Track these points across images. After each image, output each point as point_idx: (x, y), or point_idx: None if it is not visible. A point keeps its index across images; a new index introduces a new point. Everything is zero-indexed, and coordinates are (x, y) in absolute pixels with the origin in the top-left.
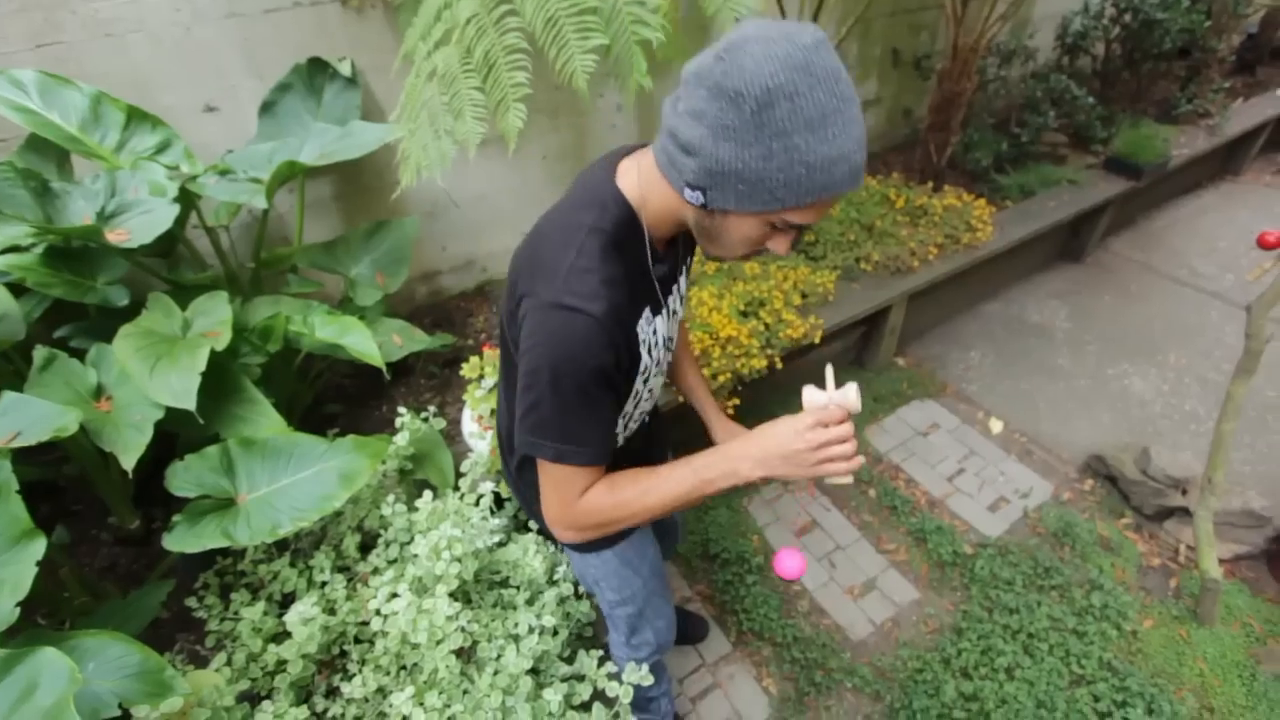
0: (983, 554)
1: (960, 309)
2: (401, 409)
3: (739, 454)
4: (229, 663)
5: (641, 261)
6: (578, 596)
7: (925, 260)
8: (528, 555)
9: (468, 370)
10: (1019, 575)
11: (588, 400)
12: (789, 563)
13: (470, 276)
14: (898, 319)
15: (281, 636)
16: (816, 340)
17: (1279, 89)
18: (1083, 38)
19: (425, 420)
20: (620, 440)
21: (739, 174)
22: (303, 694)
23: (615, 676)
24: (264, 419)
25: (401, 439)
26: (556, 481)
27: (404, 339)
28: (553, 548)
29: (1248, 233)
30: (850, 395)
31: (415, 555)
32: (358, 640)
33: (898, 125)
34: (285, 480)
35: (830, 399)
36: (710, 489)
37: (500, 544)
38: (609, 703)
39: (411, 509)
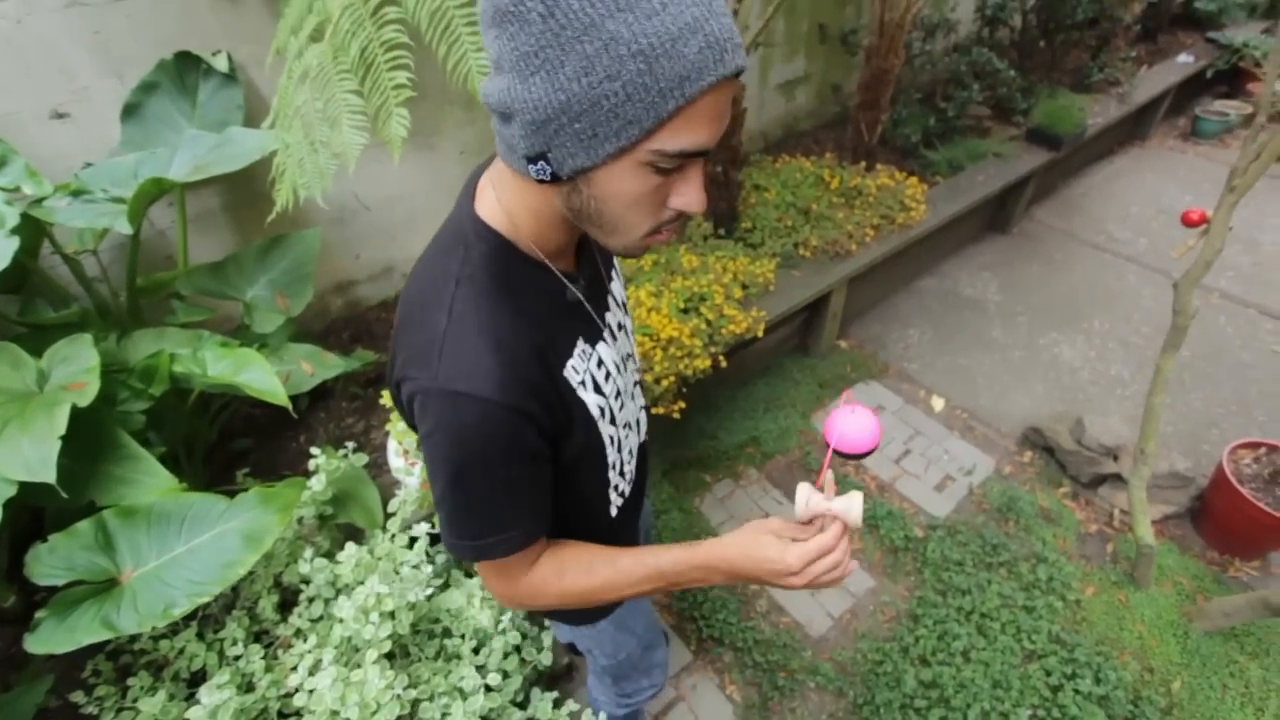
0: (933, 536)
1: (897, 287)
2: (315, 450)
3: (715, 563)
4: None
5: (546, 292)
6: (535, 647)
7: (863, 243)
8: (472, 604)
9: (388, 397)
10: (968, 555)
11: (507, 488)
12: (849, 425)
13: (389, 284)
14: (839, 303)
15: None
16: (760, 334)
17: (1180, 55)
18: (1001, 9)
19: (345, 457)
20: (613, 510)
21: (567, 109)
22: None
23: (575, 717)
24: (149, 477)
25: (317, 483)
26: (488, 570)
27: (315, 365)
28: None
29: (1157, 196)
30: (854, 509)
31: (341, 619)
32: (282, 715)
33: (827, 102)
34: (179, 549)
35: (829, 509)
36: (674, 589)
37: (442, 588)
38: None
39: (334, 561)
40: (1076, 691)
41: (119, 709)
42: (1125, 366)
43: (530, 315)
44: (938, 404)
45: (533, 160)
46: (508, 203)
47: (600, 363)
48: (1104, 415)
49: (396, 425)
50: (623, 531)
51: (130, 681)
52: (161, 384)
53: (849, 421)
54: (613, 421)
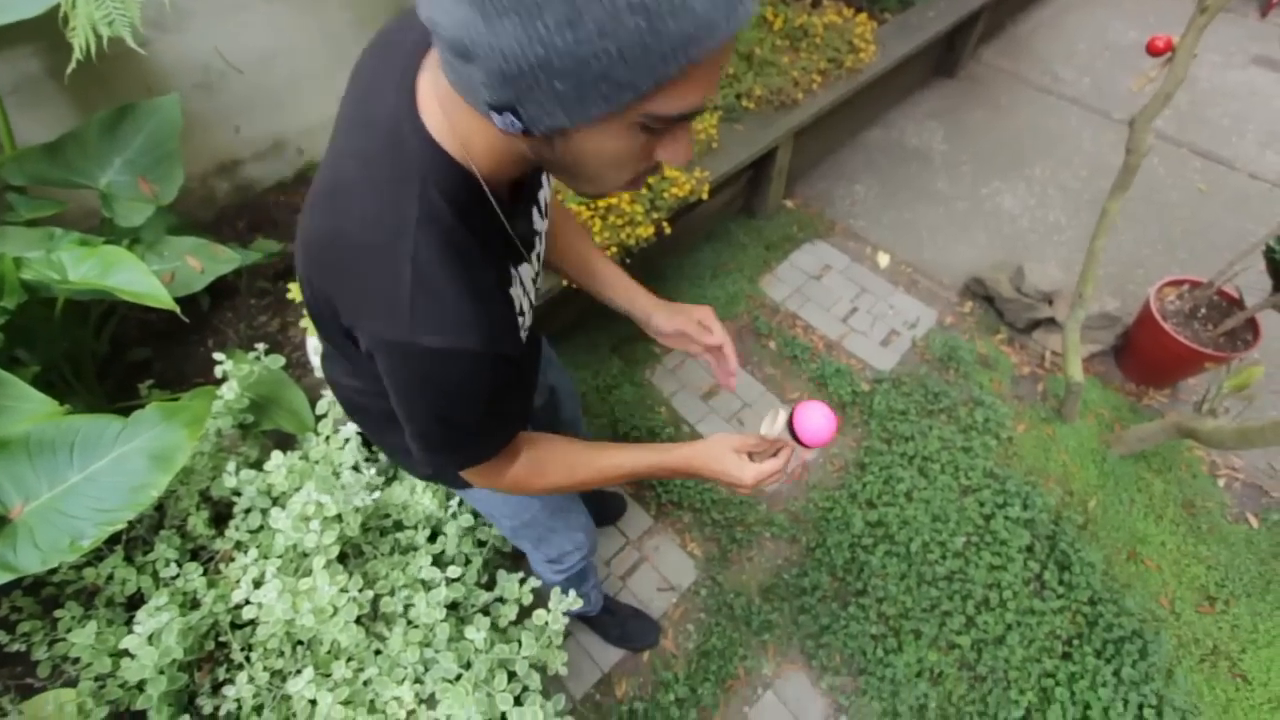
0: (879, 389)
1: (844, 140)
2: (219, 355)
3: (682, 467)
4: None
5: (492, 226)
6: (486, 524)
7: (809, 91)
8: (416, 494)
9: (296, 291)
10: (912, 404)
11: (491, 414)
12: (812, 422)
13: (284, 163)
14: (785, 159)
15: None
16: (705, 196)
17: None
18: None
19: (257, 360)
20: None
21: (546, 66)
22: (183, 699)
23: (540, 594)
24: (20, 402)
25: (229, 391)
26: (473, 474)
27: (204, 261)
28: None
29: (1104, 31)
30: (808, 452)
31: (279, 530)
32: (235, 626)
33: None
34: (74, 477)
35: (787, 439)
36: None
37: (386, 484)
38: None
39: (263, 471)
40: (1006, 518)
41: (51, 641)
42: (1063, 212)
43: (489, 252)
44: (883, 260)
45: (498, 110)
46: (463, 132)
47: (523, 281)
48: (1042, 262)
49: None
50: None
51: (59, 614)
52: (13, 294)
53: (813, 418)
54: (523, 316)
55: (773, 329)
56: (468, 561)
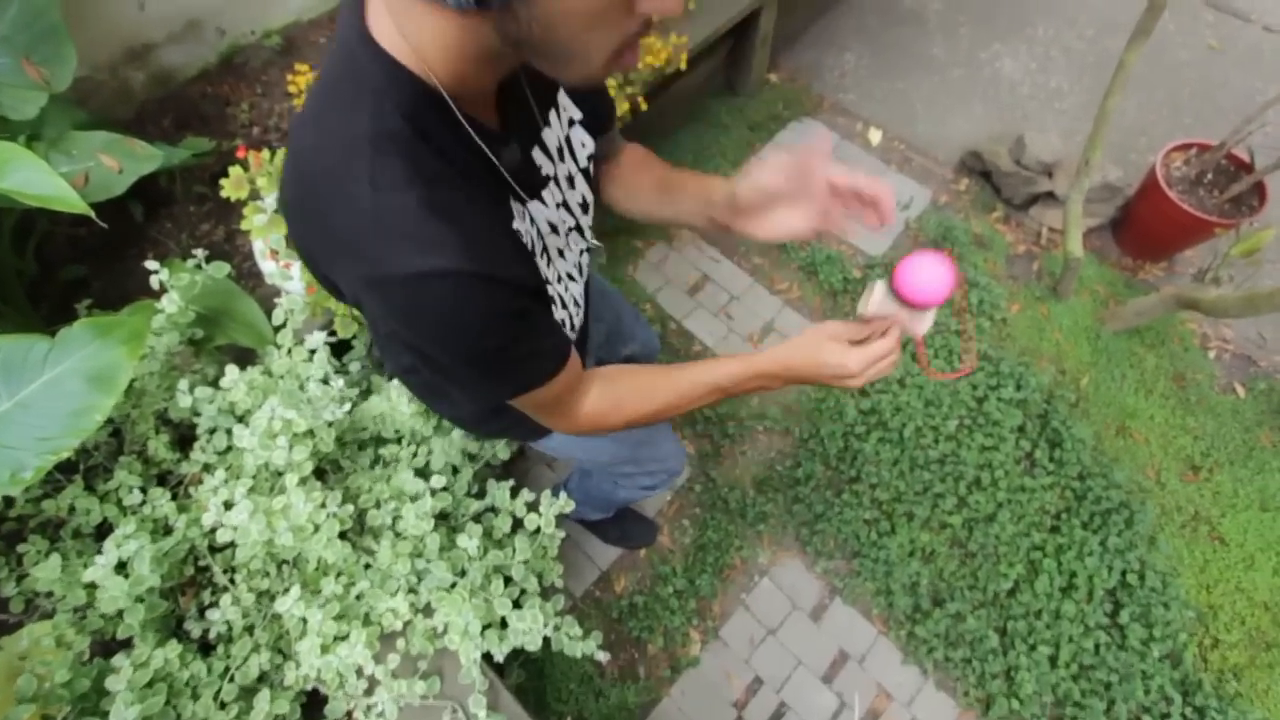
0: (871, 275)
1: (833, 2)
2: (153, 264)
3: (774, 369)
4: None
5: (469, 150)
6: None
7: None
8: (397, 408)
9: (230, 189)
10: None
11: (516, 337)
12: (921, 277)
13: (204, 47)
14: (769, 25)
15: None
16: (683, 66)
17: None
18: None
19: (198, 269)
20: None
21: None
22: (170, 624)
23: (534, 506)
24: None
25: (170, 304)
26: (534, 409)
27: (121, 159)
28: None
29: None
30: (925, 320)
31: (247, 449)
32: (215, 549)
33: None
34: (3, 405)
35: (897, 315)
36: (733, 397)
37: (363, 395)
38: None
39: (219, 389)
40: (999, 399)
41: (19, 577)
42: (1065, 77)
43: (471, 180)
44: (875, 137)
45: None
46: (413, 36)
47: (533, 221)
48: (1043, 132)
49: (254, 220)
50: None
51: (22, 548)
52: None
53: (922, 273)
54: (550, 281)
55: None
56: (455, 471)
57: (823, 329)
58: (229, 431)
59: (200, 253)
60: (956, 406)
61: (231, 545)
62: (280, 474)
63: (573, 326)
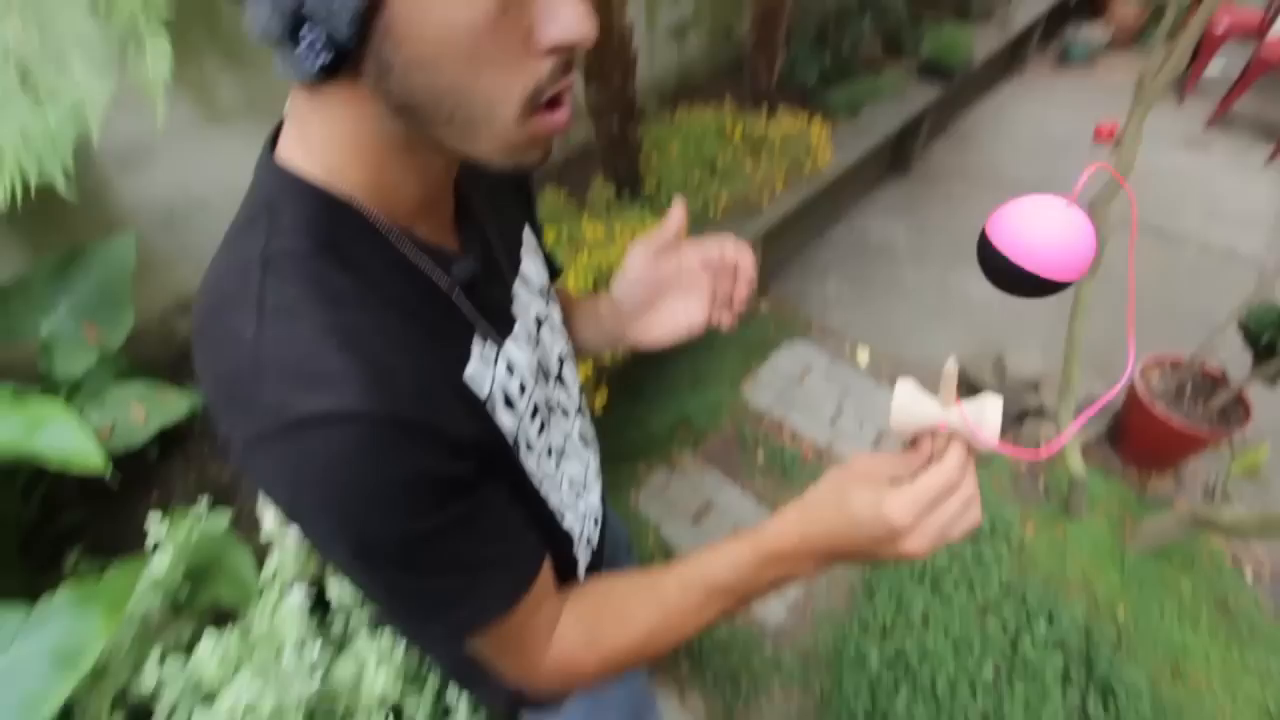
0: None
1: (810, 239)
2: (152, 520)
3: (792, 547)
4: None
5: (409, 273)
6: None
7: (774, 195)
8: (368, 671)
9: None
10: None
11: (455, 524)
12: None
13: None
14: (756, 259)
15: None
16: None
17: None
18: None
19: (199, 519)
20: (580, 573)
21: None
22: None
23: None
24: None
25: (161, 563)
26: (487, 650)
27: (150, 408)
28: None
29: (1041, 124)
30: (989, 419)
31: None
32: None
33: (720, 46)
34: None
35: (947, 420)
36: (753, 600)
37: (336, 654)
38: None
39: (189, 654)
40: (1033, 639)
41: None
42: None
43: (388, 299)
44: (863, 356)
45: (294, 35)
46: (314, 141)
47: (510, 369)
48: (1020, 349)
49: None
50: None
51: None
52: None
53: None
54: (530, 448)
55: (759, 438)
56: None
57: (849, 468)
58: (190, 713)
59: (204, 500)
60: (989, 649)
61: None
62: None
63: (588, 535)
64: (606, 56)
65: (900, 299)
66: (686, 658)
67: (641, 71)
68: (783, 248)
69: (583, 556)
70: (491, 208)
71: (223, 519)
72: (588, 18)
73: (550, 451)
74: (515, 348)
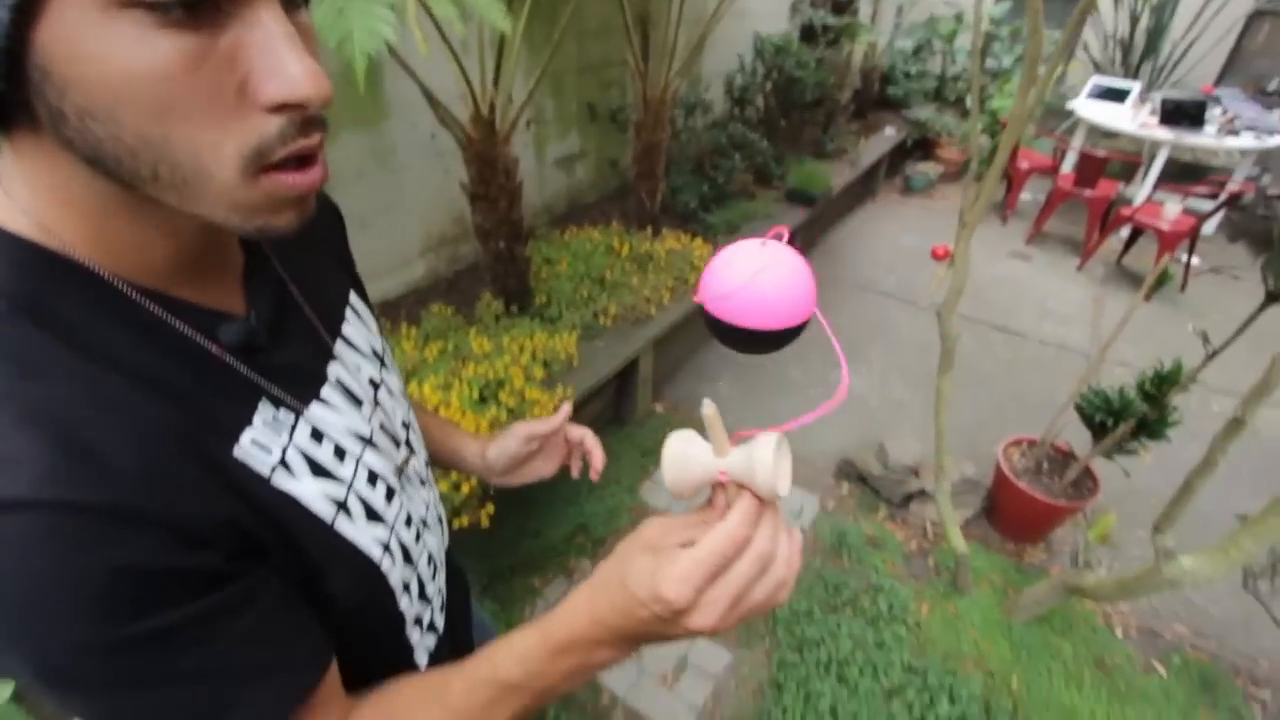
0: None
1: (699, 344)
2: None
3: (584, 633)
4: None
5: (147, 340)
6: None
7: (661, 305)
8: None
9: None
10: (815, 602)
11: (171, 644)
12: (736, 268)
13: None
14: (648, 368)
15: None
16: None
17: (886, 129)
18: (745, 91)
19: None
20: (422, 656)
21: None
22: None
23: None
24: None
25: None
26: None
27: None
28: None
29: (896, 240)
30: (761, 464)
31: None
32: None
33: (607, 175)
34: None
35: (723, 472)
36: (552, 696)
37: None
38: None
39: None
40: (937, 718)
41: None
42: (905, 389)
43: (114, 366)
44: None
45: None
46: (23, 197)
47: (318, 435)
48: (899, 437)
49: None
50: None
51: None
52: None
53: (729, 267)
54: (374, 518)
55: None
56: None
57: (637, 535)
58: None
59: None
60: None
61: None
62: None
63: (432, 612)
64: (492, 185)
65: (787, 395)
66: None
67: (530, 196)
68: (673, 354)
69: (421, 638)
70: (294, 265)
71: (5, 688)
72: (315, 75)
73: (410, 521)
74: (326, 412)
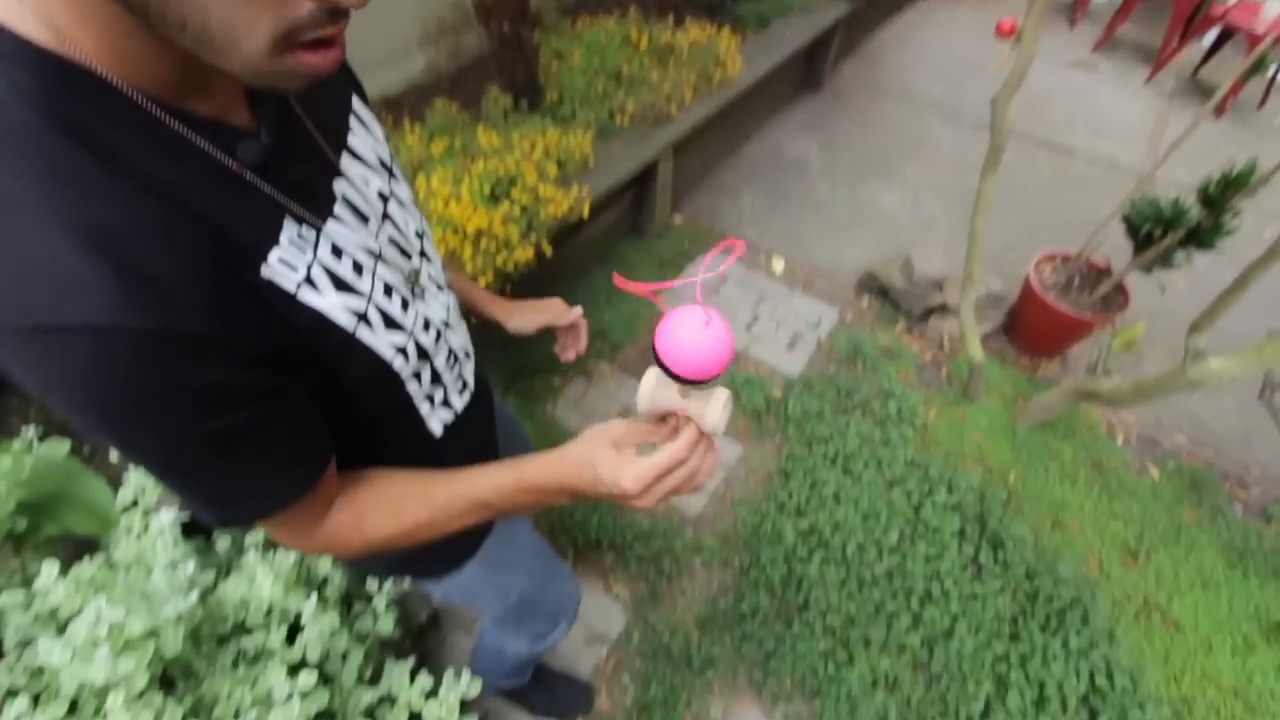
0: (791, 393)
1: (723, 155)
2: None
3: (547, 484)
4: None
5: (175, 158)
6: (371, 613)
7: (683, 105)
8: (256, 585)
9: None
10: (826, 404)
11: (208, 443)
12: (680, 338)
13: None
14: (667, 175)
15: None
16: (585, 214)
17: None
18: None
19: (28, 447)
20: (436, 427)
21: None
22: None
23: (434, 692)
24: None
25: None
26: (265, 525)
27: None
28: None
29: (946, 45)
30: (711, 412)
31: (58, 666)
32: None
33: None
34: None
35: (681, 407)
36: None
37: (225, 574)
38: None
39: (29, 590)
40: (934, 505)
41: None
42: (937, 206)
43: (149, 186)
44: (778, 266)
45: None
46: (39, 5)
47: (338, 251)
48: (926, 253)
49: None
50: (457, 448)
51: None
52: None
53: (680, 332)
54: (393, 326)
55: None
56: (345, 657)
57: (606, 431)
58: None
59: (33, 429)
60: (894, 517)
61: None
62: (110, 686)
63: (451, 394)
64: None
65: (813, 212)
66: (610, 550)
67: None
68: (694, 163)
69: (436, 415)
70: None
71: (60, 447)
72: None
73: (428, 325)
74: (340, 228)
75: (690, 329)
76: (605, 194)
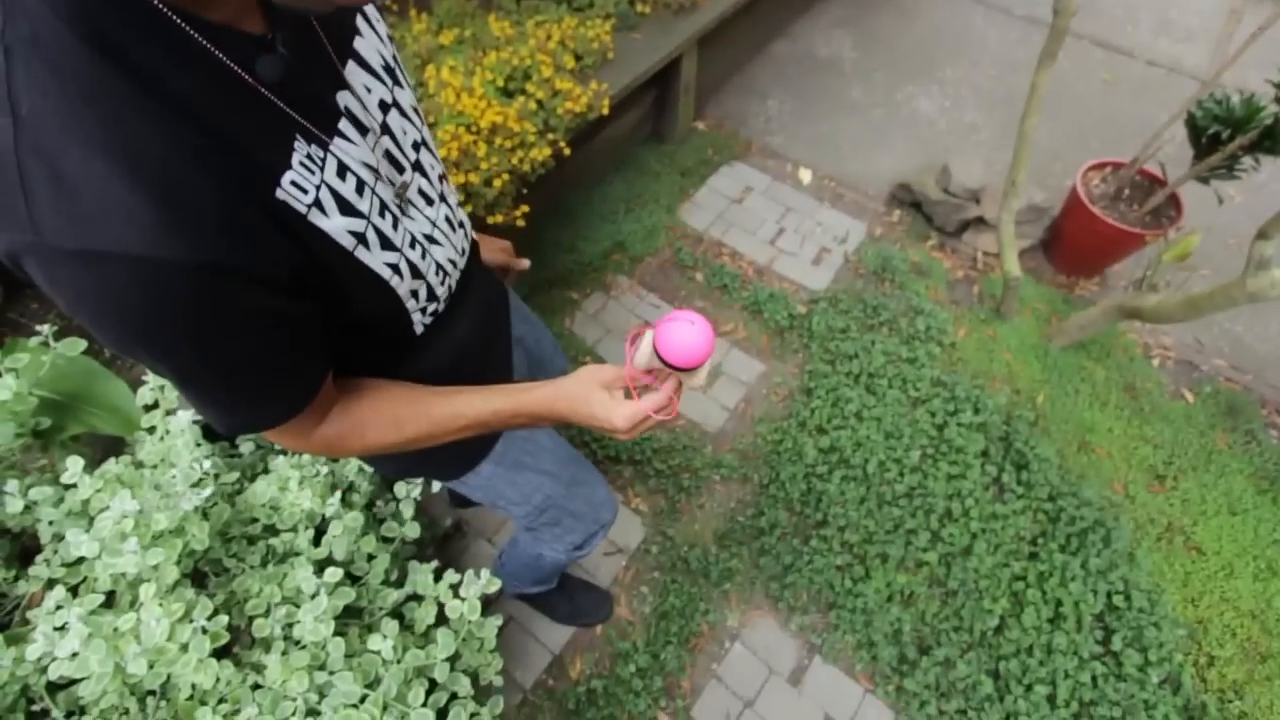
0: (816, 309)
1: (751, 53)
2: None
3: (541, 411)
4: None
5: (195, 71)
6: (396, 518)
7: None
8: (288, 490)
9: None
10: (852, 321)
11: (228, 362)
12: (677, 339)
13: None
14: (690, 73)
15: None
16: (605, 111)
17: None
18: None
19: (44, 345)
20: (417, 327)
21: None
22: None
23: (458, 590)
24: None
25: (5, 389)
26: (273, 435)
27: None
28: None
29: None
30: (698, 374)
31: (85, 558)
32: (56, 687)
33: None
34: None
35: (650, 362)
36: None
37: (251, 478)
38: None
39: (59, 485)
40: (959, 424)
41: None
42: (978, 112)
43: (177, 105)
44: (805, 176)
45: None
46: None
47: (343, 171)
48: (965, 163)
49: None
50: (437, 344)
51: None
52: None
53: (678, 335)
54: (388, 246)
55: (698, 259)
56: (371, 559)
57: (598, 373)
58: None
59: (48, 328)
60: (917, 436)
61: (72, 684)
62: (145, 578)
63: (436, 303)
64: None
65: (845, 117)
66: (629, 464)
67: None
68: (720, 62)
69: (420, 319)
70: None
71: (77, 345)
72: None
73: (414, 242)
74: (346, 145)
75: (687, 337)
76: (626, 91)
